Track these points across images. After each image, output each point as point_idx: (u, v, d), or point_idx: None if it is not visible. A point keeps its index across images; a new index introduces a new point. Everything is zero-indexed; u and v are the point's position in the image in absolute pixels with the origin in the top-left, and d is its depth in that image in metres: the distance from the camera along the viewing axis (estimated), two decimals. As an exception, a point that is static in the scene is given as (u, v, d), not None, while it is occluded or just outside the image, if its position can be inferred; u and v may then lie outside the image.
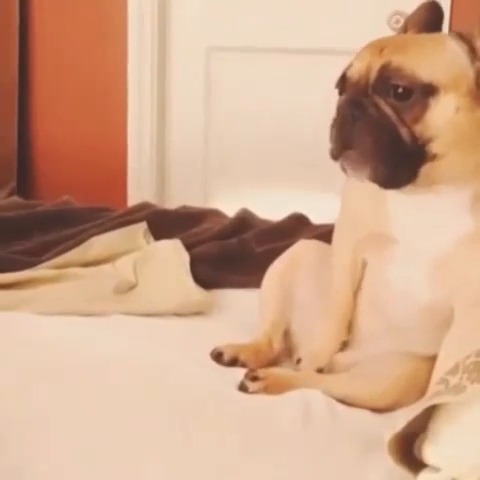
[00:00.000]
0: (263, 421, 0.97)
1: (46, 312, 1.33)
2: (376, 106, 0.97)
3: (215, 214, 1.90)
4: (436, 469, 0.81)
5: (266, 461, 0.89)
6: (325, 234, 1.35)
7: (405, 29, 1.10)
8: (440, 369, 0.99)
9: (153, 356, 1.13)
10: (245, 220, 1.82)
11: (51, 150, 2.77)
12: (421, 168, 0.97)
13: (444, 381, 0.83)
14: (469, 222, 1.01)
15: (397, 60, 0.96)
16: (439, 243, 1.04)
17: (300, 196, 2.43)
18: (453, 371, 0.83)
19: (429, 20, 1.08)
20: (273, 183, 2.61)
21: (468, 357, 0.84)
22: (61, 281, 1.50)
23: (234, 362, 1.18)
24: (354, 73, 1.00)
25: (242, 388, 1.08)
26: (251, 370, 1.12)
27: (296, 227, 1.76)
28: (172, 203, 2.31)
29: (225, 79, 2.65)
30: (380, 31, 2.18)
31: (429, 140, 0.96)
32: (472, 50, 0.97)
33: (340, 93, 1.03)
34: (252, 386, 1.07)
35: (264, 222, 1.84)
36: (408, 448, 0.84)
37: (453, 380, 0.82)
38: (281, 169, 2.59)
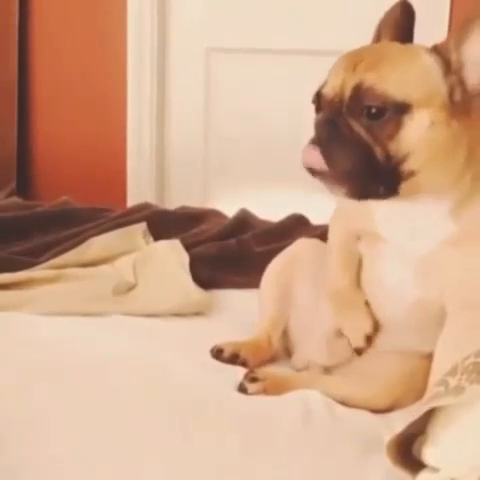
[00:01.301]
0: (263, 421, 0.97)
1: (45, 312, 1.32)
2: (349, 127, 0.96)
3: (214, 214, 1.90)
4: (435, 470, 0.81)
5: (266, 461, 0.89)
6: (324, 234, 1.35)
7: (379, 34, 1.08)
8: (436, 370, 0.99)
9: (153, 356, 1.12)
10: (244, 221, 1.82)
11: (51, 150, 2.77)
12: (400, 185, 0.97)
13: (444, 382, 0.83)
14: (451, 226, 1.02)
15: (369, 79, 0.95)
16: (423, 244, 1.04)
17: (300, 196, 2.43)
18: (452, 372, 0.83)
19: (402, 22, 1.07)
20: (273, 183, 2.61)
21: (467, 358, 0.84)
22: (60, 281, 1.50)
23: (234, 359, 1.18)
24: (329, 91, 1.00)
25: (241, 389, 1.08)
26: (250, 371, 1.12)
27: (295, 227, 1.76)
28: (172, 203, 2.32)
29: (224, 80, 2.65)
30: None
31: (404, 157, 0.95)
32: (447, 63, 0.96)
33: (316, 109, 1.03)
34: (251, 387, 1.08)
35: (263, 222, 1.84)
36: (407, 449, 0.84)
37: (452, 381, 0.82)
38: (281, 169, 2.58)
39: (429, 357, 1.06)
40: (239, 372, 1.13)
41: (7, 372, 1.04)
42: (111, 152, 2.71)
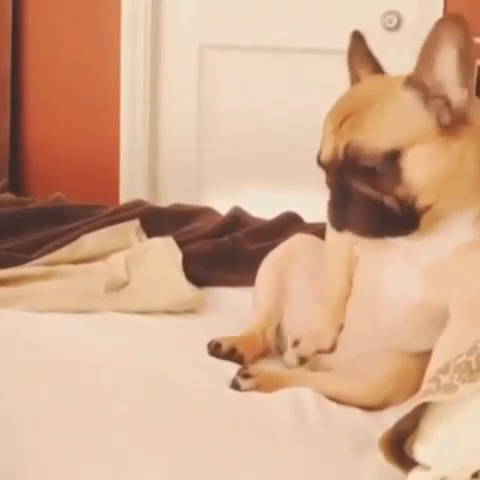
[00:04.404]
0: (260, 421, 0.97)
1: (37, 310, 1.32)
2: (354, 188, 0.99)
3: (208, 212, 1.90)
4: (427, 468, 0.82)
5: (265, 461, 0.90)
6: (317, 233, 1.36)
7: (354, 71, 1.08)
8: (434, 368, 0.99)
9: (151, 356, 1.13)
10: (237, 218, 1.81)
11: (43, 148, 2.75)
12: (420, 221, 0.99)
13: (435, 379, 0.83)
14: (470, 234, 1.03)
15: (356, 139, 0.97)
16: (436, 251, 1.05)
17: (295, 195, 2.41)
18: (444, 370, 0.84)
19: (367, 50, 1.08)
20: (267, 182, 2.60)
21: (459, 356, 0.84)
22: (52, 278, 1.49)
23: (232, 353, 1.19)
24: (325, 156, 1.02)
25: (234, 385, 1.08)
26: (243, 367, 1.13)
27: (288, 225, 1.76)
28: (164, 203, 2.31)
29: (218, 77, 2.64)
30: (374, 30, 2.18)
31: (416, 196, 0.97)
32: (425, 91, 0.97)
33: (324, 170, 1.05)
34: (244, 384, 1.08)
35: (256, 220, 1.84)
36: (399, 446, 0.85)
37: (444, 379, 0.82)
38: (276, 168, 2.58)
39: (422, 356, 1.08)
40: (235, 370, 1.13)
41: (7, 372, 1.04)
42: (104, 150, 2.70)
